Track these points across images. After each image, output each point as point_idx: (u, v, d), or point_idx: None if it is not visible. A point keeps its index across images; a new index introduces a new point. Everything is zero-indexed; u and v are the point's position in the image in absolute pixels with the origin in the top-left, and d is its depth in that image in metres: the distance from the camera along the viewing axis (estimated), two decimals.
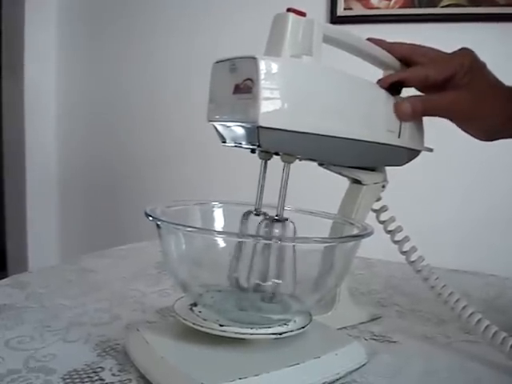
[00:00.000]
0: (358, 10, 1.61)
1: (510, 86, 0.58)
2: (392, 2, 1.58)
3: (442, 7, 1.53)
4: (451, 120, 0.58)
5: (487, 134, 0.59)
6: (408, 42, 0.59)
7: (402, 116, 0.56)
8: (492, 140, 0.59)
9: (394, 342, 0.55)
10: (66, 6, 2.08)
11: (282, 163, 0.49)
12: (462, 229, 1.54)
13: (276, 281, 0.48)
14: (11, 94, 2.08)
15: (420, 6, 1.55)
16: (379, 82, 0.56)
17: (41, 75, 2.08)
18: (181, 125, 1.89)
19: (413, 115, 0.56)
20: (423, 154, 0.61)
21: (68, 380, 0.43)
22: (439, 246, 1.32)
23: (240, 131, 0.47)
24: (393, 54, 0.58)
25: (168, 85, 1.92)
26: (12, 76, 2.06)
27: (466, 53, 0.57)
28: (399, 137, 0.56)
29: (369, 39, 0.57)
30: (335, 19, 1.61)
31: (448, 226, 1.54)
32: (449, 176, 1.54)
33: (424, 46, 0.59)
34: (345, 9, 1.62)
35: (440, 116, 0.57)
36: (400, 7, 1.57)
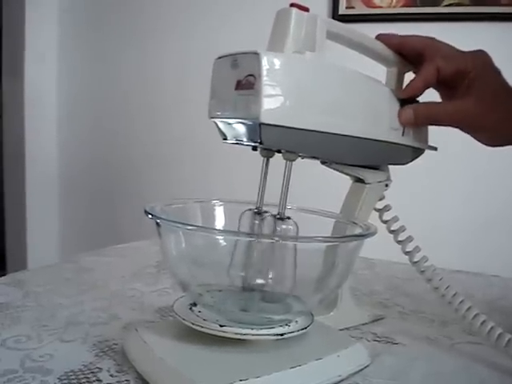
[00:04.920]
0: (360, 8, 1.61)
1: None
2: (394, 1, 1.58)
3: (444, 6, 1.53)
4: (457, 128, 0.56)
5: (494, 142, 0.58)
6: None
7: (404, 122, 0.54)
8: (499, 146, 0.58)
9: (397, 343, 0.55)
10: (67, 7, 2.08)
11: (284, 161, 0.48)
12: (466, 229, 1.53)
13: (277, 280, 0.47)
14: (11, 94, 2.08)
15: (422, 5, 1.55)
16: (404, 92, 0.55)
17: (41, 76, 2.08)
18: (180, 124, 1.88)
19: (415, 122, 0.55)
20: (428, 153, 0.60)
21: (65, 380, 0.42)
22: (442, 247, 1.32)
23: (241, 128, 0.46)
24: (403, 49, 0.56)
25: (167, 84, 1.92)
26: (12, 76, 2.06)
27: (480, 54, 0.55)
28: (403, 135, 0.55)
29: (380, 34, 0.56)
30: (337, 18, 1.60)
31: (452, 226, 1.54)
32: (453, 176, 1.53)
33: (439, 41, 0.56)
34: (347, 7, 1.62)
35: (445, 125, 0.55)
36: (402, 6, 1.57)
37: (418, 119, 0.55)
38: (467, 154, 1.36)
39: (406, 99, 0.55)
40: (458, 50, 0.56)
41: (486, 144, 0.58)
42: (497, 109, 0.54)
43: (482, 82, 0.54)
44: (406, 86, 0.56)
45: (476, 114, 0.54)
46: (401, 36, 0.56)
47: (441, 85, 0.56)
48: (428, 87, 0.55)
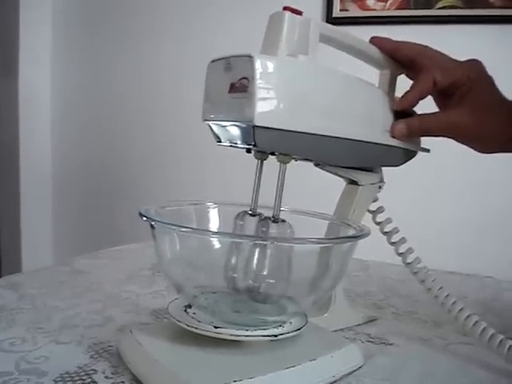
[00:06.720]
0: (354, 11, 1.61)
1: None
2: (388, 4, 1.58)
3: (438, 9, 1.53)
4: (451, 138, 0.56)
5: (487, 149, 0.57)
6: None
7: (397, 136, 0.55)
8: (492, 153, 0.57)
9: (391, 344, 0.55)
10: (61, 8, 2.08)
11: (278, 163, 0.48)
12: (462, 232, 1.53)
13: (271, 282, 0.47)
14: (6, 94, 2.07)
15: (416, 8, 1.55)
16: (399, 104, 0.55)
17: (36, 76, 2.07)
18: (175, 126, 1.88)
19: (408, 135, 0.55)
20: (422, 155, 0.60)
21: (60, 382, 0.42)
22: (438, 249, 1.32)
23: (235, 131, 0.46)
24: (396, 55, 0.56)
25: (162, 86, 1.92)
26: (7, 77, 2.05)
27: (474, 64, 0.55)
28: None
29: (373, 37, 0.56)
30: (331, 20, 1.61)
31: (447, 229, 1.54)
32: (448, 179, 1.53)
33: (431, 49, 0.56)
34: (341, 10, 1.62)
35: (438, 136, 0.56)
36: (396, 9, 1.57)
37: (411, 133, 0.55)
38: (463, 156, 1.36)
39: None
40: (451, 59, 0.56)
41: (479, 151, 0.58)
42: (490, 119, 0.54)
43: (475, 92, 0.54)
44: (401, 97, 0.56)
45: (469, 126, 0.54)
46: (394, 41, 0.56)
47: (435, 93, 0.56)
48: (423, 99, 0.55)
